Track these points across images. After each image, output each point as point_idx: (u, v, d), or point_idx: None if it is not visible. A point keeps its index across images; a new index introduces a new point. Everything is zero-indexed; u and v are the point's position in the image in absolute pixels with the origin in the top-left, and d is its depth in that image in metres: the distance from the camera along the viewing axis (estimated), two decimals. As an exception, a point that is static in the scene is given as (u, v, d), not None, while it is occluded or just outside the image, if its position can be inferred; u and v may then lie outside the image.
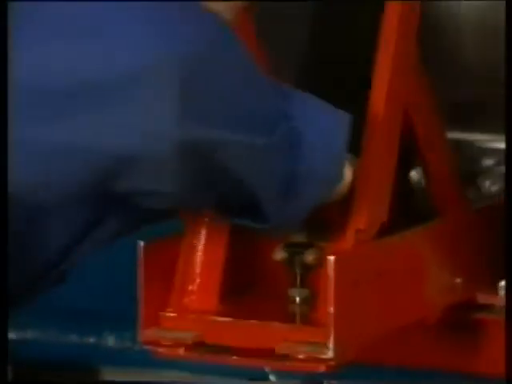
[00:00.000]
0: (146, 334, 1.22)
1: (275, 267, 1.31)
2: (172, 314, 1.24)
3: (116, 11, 1.01)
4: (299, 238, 1.31)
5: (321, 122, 1.17)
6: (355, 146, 1.24)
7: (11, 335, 1.59)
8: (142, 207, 1.14)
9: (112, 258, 1.40)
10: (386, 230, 1.29)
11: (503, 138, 1.58)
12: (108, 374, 1.59)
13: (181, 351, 1.21)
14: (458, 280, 1.41)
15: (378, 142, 1.28)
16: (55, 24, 1.00)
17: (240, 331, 1.23)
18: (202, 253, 1.27)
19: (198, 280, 1.26)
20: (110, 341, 1.56)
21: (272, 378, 1.55)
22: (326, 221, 1.28)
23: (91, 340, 1.64)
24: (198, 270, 1.26)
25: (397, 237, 1.30)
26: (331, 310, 1.16)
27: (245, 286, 1.30)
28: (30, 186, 1.04)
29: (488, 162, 1.59)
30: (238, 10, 1.28)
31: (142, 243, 1.21)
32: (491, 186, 1.56)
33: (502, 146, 1.60)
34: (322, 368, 1.17)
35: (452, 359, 1.49)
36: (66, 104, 0.99)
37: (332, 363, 1.17)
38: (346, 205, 1.26)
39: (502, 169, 1.57)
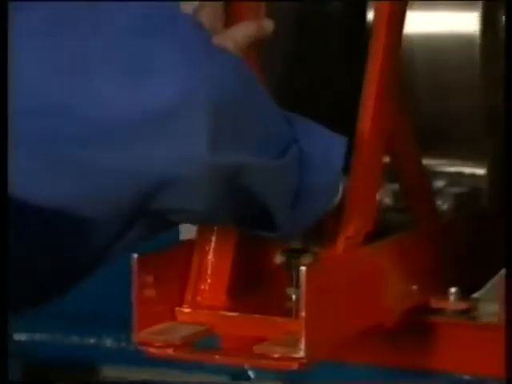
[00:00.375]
0: (140, 336, 1.21)
1: (275, 269, 1.34)
2: (187, 310, 1.25)
3: (160, 55, 1.01)
4: (296, 244, 1.34)
5: (322, 144, 1.19)
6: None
7: (21, 336, 1.60)
8: (171, 221, 1.16)
9: (110, 268, 1.40)
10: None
11: (452, 162, 1.60)
12: (106, 371, 1.58)
13: (170, 351, 1.21)
14: (414, 287, 1.40)
15: (365, 162, 1.30)
16: (114, 63, 1.00)
17: (245, 324, 1.24)
18: (212, 257, 1.28)
19: (209, 280, 1.27)
20: (108, 342, 1.56)
21: (251, 374, 1.54)
22: (319, 229, 1.29)
23: (91, 341, 1.64)
24: (209, 271, 1.27)
25: (362, 250, 1.30)
26: (303, 314, 1.16)
27: (249, 286, 1.30)
28: (84, 199, 1.05)
29: (439, 183, 1.60)
30: (246, 48, 1.28)
31: (135, 255, 1.21)
32: (442, 205, 1.56)
33: (452, 169, 1.62)
34: (294, 366, 1.17)
35: (408, 357, 1.47)
36: (119, 135, 1.00)
37: (304, 361, 1.17)
38: (336, 216, 1.27)
39: (452, 189, 1.59)
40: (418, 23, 1.56)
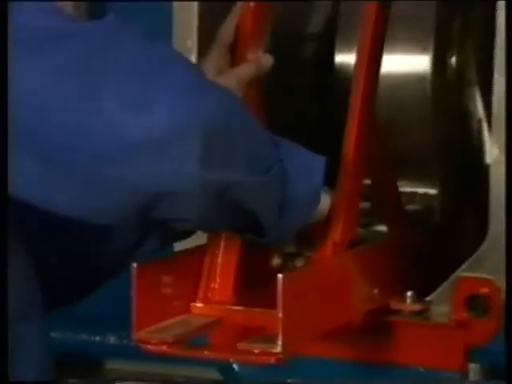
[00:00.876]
0: (139, 334, 1.21)
1: (274, 270, 1.34)
2: (200, 305, 1.26)
3: (161, 91, 1.03)
4: (291, 248, 1.36)
5: (303, 163, 1.19)
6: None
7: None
8: (173, 229, 1.18)
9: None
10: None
11: (409, 183, 1.60)
12: (110, 365, 1.58)
13: (164, 348, 1.20)
14: (376, 291, 1.40)
15: (349, 179, 1.32)
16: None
17: (248, 316, 1.24)
18: (221, 259, 1.28)
19: (218, 280, 1.27)
20: (112, 339, 1.55)
21: (235, 367, 1.53)
22: (311, 236, 1.31)
23: (97, 339, 1.64)
24: (217, 272, 1.28)
25: (331, 260, 1.30)
26: (280, 315, 1.16)
27: (252, 284, 1.29)
28: (99, 209, 1.06)
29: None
30: (244, 84, 1.33)
31: (135, 265, 1.20)
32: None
33: (408, 189, 1.62)
34: (272, 360, 1.17)
35: (371, 352, 1.47)
36: (127, 154, 1.02)
37: (280, 356, 1.16)
38: (325, 224, 1.30)
39: (409, 207, 1.59)
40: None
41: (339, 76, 1.58)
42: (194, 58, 1.53)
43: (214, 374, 1.55)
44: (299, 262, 1.34)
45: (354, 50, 1.51)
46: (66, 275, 1.26)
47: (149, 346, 1.21)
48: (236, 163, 1.10)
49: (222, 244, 1.28)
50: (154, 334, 1.22)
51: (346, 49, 1.58)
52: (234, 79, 1.31)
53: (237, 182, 1.10)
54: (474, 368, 1.41)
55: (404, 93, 1.48)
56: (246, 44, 1.36)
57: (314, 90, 1.64)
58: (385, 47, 1.51)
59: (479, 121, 1.56)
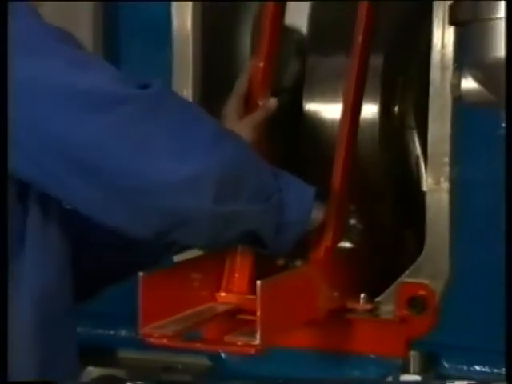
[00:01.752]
0: (144, 329, 1.19)
1: (279, 268, 1.37)
2: (223, 294, 1.27)
3: (186, 143, 1.07)
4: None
5: (297, 191, 1.21)
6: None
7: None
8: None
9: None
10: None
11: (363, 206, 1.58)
12: (121, 354, 1.55)
13: (164, 340, 1.19)
14: (336, 294, 1.38)
15: (336, 199, 1.35)
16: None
17: None
18: (239, 260, 1.31)
19: (236, 275, 1.31)
20: (123, 333, 1.53)
21: (223, 356, 1.50)
22: (307, 242, 1.33)
23: (111, 332, 1.60)
24: (236, 269, 1.31)
25: (301, 268, 1.31)
26: (258, 314, 1.15)
27: (262, 279, 1.26)
28: (138, 227, 1.10)
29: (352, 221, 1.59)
30: (259, 125, 1.37)
31: (141, 274, 1.19)
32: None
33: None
34: (252, 351, 1.16)
35: (332, 343, 1.46)
36: (160, 190, 1.06)
37: (259, 348, 1.15)
38: (318, 232, 1.32)
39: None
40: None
41: (306, 122, 1.55)
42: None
43: (206, 361, 1.52)
44: (298, 263, 1.36)
45: (319, 100, 1.54)
46: (115, 269, 1.30)
47: (152, 339, 1.20)
48: (243, 196, 1.13)
49: (240, 249, 1.31)
50: (157, 329, 1.20)
51: (311, 99, 1.56)
52: (252, 123, 1.37)
53: (242, 211, 1.13)
54: (414, 355, 1.39)
55: (358, 135, 1.46)
56: (256, 93, 1.41)
57: (285, 133, 1.61)
58: (328, 100, 1.53)
59: (417, 157, 1.54)
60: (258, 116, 1.38)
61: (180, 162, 1.05)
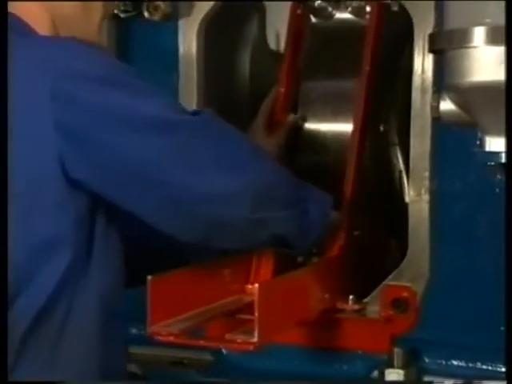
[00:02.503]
0: (152, 328, 1.21)
1: (299, 264, 1.38)
2: (250, 286, 1.29)
3: (230, 165, 1.17)
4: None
5: (318, 200, 1.29)
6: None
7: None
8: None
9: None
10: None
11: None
12: (132, 349, 1.48)
13: (171, 338, 1.21)
14: (327, 295, 1.40)
15: (348, 207, 1.41)
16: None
17: None
18: (264, 257, 1.34)
19: (262, 271, 1.33)
20: (134, 331, 1.51)
21: (224, 351, 1.51)
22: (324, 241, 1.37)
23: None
24: (262, 265, 1.33)
25: (296, 272, 1.32)
26: (256, 314, 1.17)
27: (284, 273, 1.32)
28: (189, 232, 1.18)
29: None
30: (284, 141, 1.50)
31: (150, 277, 1.21)
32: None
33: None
34: (250, 347, 1.17)
35: (323, 340, 1.46)
36: (207, 200, 1.14)
37: (257, 345, 1.17)
38: (332, 234, 1.37)
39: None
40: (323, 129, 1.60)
41: (300, 137, 1.59)
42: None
43: (208, 357, 1.53)
44: (315, 259, 1.39)
45: (311, 119, 1.57)
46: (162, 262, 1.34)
47: (159, 337, 1.22)
48: (274, 205, 1.21)
49: (265, 249, 1.34)
50: (164, 327, 1.21)
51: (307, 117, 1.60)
52: (276, 140, 1.49)
53: (273, 217, 1.21)
54: (397, 351, 1.40)
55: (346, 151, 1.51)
56: (279, 114, 1.53)
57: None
58: (331, 119, 1.55)
59: (400, 171, 1.56)
60: (281, 135, 1.51)
61: (225, 178, 1.14)
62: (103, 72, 1.10)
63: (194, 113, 1.16)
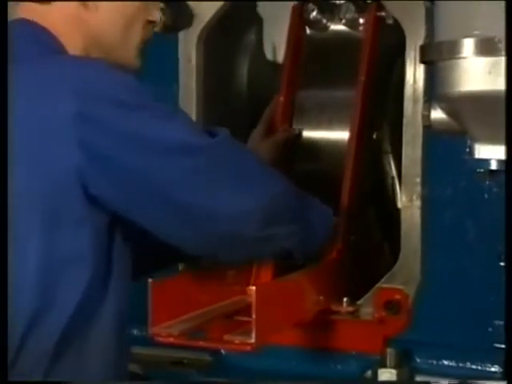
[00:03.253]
0: (153, 329, 1.23)
1: (297, 267, 1.36)
2: (252, 288, 1.25)
3: (242, 185, 1.18)
4: None
5: (321, 213, 1.32)
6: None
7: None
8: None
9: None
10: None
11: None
12: (134, 350, 1.47)
13: (171, 339, 1.22)
14: (322, 297, 1.41)
15: (345, 211, 1.42)
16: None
17: None
18: (265, 264, 1.33)
19: (262, 274, 1.32)
20: (135, 331, 1.50)
21: (223, 352, 1.53)
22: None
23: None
24: (263, 268, 1.32)
25: (291, 276, 1.32)
26: (253, 316, 1.18)
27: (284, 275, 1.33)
28: (203, 246, 1.19)
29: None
30: (279, 145, 1.53)
31: (151, 280, 1.23)
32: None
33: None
34: (248, 348, 1.18)
35: (318, 341, 1.47)
36: (221, 217, 1.16)
37: (254, 346, 1.18)
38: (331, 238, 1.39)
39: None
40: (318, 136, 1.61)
41: (302, 147, 1.61)
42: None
43: (207, 357, 1.54)
44: (314, 263, 1.39)
45: (306, 127, 1.59)
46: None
47: (160, 338, 1.23)
48: (281, 222, 1.22)
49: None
50: (165, 329, 1.22)
51: (300, 126, 1.61)
52: (273, 142, 1.52)
53: (279, 233, 1.22)
54: (390, 352, 1.41)
55: (342, 158, 1.51)
56: (278, 121, 1.55)
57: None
58: (327, 127, 1.57)
59: (392, 178, 1.57)
60: (279, 136, 1.53)
61: (239, 197, 1.17)
62: (128, 95, 1.12)
63: (212, 133, 1.18)
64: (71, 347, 1.13)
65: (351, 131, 1.48)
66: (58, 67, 1.13)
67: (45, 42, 1.18)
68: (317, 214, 1.30)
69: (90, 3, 1.19)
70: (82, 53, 1.21)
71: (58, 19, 1.19)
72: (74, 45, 1.20)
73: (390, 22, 1.49)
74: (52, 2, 1.18)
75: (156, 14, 1.28)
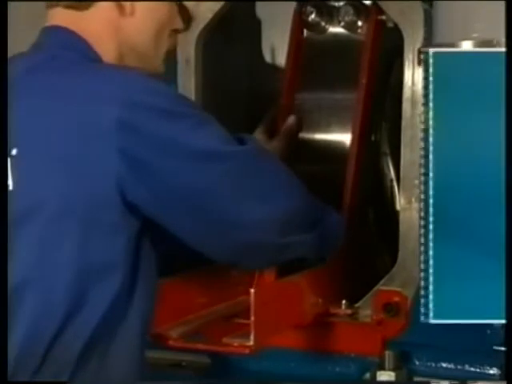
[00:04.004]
0: (153, 332, 1.22)
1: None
2: (256, 288, 1.26)
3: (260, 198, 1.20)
4: None
5: (332, 219, 1.31)
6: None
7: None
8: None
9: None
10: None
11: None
12: None
13: (171, 342, 1.22)
14: (320, 300, 1.41)
15: (349, 214, 1.43)
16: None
17: None
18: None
19: (265, 276, 1.28)
20: None
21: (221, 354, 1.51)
22: None
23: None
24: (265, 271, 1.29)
25: (290, 278, 1.32)
26: (252, 318, 1.18)
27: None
28: (223, 252, 1.20)
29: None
30: (286, 143, 1.53)
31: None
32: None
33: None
34: (246, 351, 1.18)
35: (316, 343, 1.47)
36: (248, 227, 1.18)
37: (252, 348, 1.19)
38: None
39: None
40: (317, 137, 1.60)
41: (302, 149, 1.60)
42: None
43: (206, 359, 1.53)
44: (317, 266, 1.39)
45: (305, 128, 1.58)
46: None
47: (160, 340, 1.23)
48: (298, 230, 1.23)
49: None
50: (164, 331, 1.23)
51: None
52: (275, 146, 1.51)
53: (297, 241, 1.23)
54: (388, 354, 1.41)
55: (341, 160, 1.51)
56: (280, 123, 1.55)
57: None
58: (323, 130, 1.56)
59: (391, 180, 1.57)
60: (280, 141, 1.53)
61: (264, 205, 1.18)
62: (166, 104, 1.14)
63: (242, 141, 1.20)
64: (97, 351, 1.13)
65: (353, 134, 1.48)
66: (101, 75, 1.15)
67: (81, 49, 1.19)
68: (331, 222, 1.32)
69: (127, 8, 1.20)
70: (115, 61, 1.23)
71: (92, 26, 1.20)
72: (108, 53, 1.21)
73: (390, 25, 1.48)
74: (89, 8, 1.19)
75: (181, 23, 1.30)
